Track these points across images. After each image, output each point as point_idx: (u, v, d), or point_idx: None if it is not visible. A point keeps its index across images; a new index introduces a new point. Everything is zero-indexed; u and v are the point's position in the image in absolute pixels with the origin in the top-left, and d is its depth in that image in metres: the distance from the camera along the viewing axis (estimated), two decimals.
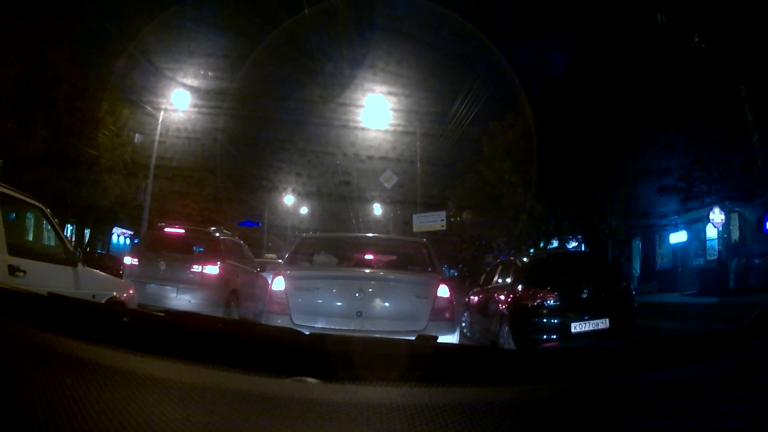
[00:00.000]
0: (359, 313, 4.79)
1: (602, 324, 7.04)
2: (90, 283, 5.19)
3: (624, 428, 0.95)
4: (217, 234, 10.28)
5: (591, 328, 6.98)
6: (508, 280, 8.37)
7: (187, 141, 24.03)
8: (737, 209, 19.57)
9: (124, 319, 1.32)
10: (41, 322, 1.20)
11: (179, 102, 22.36)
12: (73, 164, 20.13)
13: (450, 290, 5.10)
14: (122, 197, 23.00)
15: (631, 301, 8.01)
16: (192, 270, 9.22)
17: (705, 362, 1.24)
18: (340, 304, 4.99)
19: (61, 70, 18.62)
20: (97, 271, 5.91)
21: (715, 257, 20.37)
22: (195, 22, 22.03)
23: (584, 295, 7.35)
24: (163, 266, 9.11)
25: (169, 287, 9.02)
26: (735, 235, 20.07)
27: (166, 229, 10.25)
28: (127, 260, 9.72)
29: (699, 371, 1.19)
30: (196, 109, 23.02)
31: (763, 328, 1.59)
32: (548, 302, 7.24)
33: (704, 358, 1.26)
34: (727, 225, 19.33)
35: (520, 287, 7.71)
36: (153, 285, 8.96)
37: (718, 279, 17.68)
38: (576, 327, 6.98)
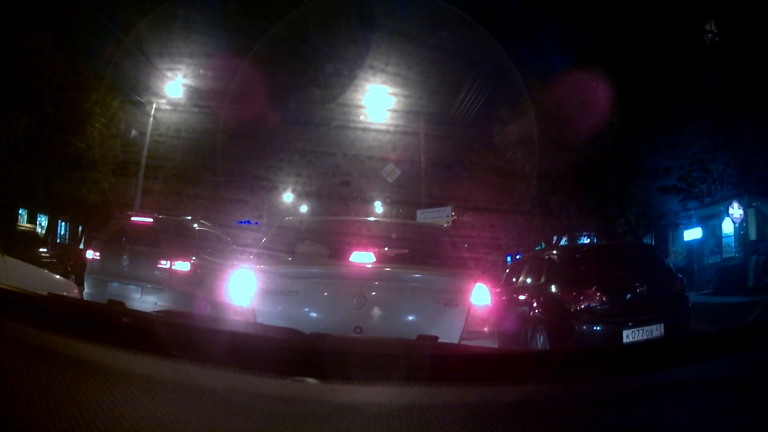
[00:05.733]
0: (358, 330, 3.42)
1: (656, 331, 6.01)
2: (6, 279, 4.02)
3: (624, 428, 0.97)
4: (194, 225, 8.92)
5: (645, 336, 5.93)
6: (541, 278, 7.25)
7: (181, 136, 23.07)
8: (755, 204, 19.32)
9: (124, 320, 1.34)
10: (41, 322, 1.21)
11: (172, 95, 21.30)
12: (59, 156, 19.14)
13: (491, 294, 3.83)
14: (113, 193, 21.94)
15: (686, 302, 6.98)
16: (159, 266, 7.87)
17: (705, 363, 1.22)
18: (329, 315, 3.61)
19: (44, 56, 17.60)
20: (28, 264, 4.75)
21: (732, 254, 19.98)
22: (191, 13, 21.06)
23: (636, 297, 6.31)
24: (126, 261, 7.85)
25: (132, 286, 7.74)
26: (753, 231, 19.66)
27: (132, 218, 8.97)
28: (89, 254, 8.41)
29: (699, 372, 1.18)
30: (191, 103, 22.11)
31: (763, 327, 1.58)
32: (596, 306, 6.16)
33: (704, 359, 1.24)
34: (744, 220, 18.95)
35: (558, 288, 6.64)
36: (115, 284, 7.73)
37: (737, 277, 17.14)
38: (628, 336, 5.91)
